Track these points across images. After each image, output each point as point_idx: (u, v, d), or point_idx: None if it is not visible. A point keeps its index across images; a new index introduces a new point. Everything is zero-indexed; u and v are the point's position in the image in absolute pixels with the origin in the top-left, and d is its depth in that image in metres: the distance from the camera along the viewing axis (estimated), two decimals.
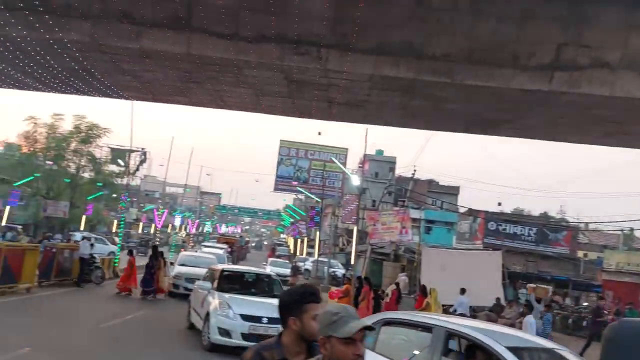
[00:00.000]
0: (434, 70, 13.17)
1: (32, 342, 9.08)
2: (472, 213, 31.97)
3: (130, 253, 18.48)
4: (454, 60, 12.96)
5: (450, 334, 4.96)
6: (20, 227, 33.54)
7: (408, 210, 19.41)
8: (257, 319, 9.89)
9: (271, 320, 9.67)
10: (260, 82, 15.39)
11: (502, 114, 15.81)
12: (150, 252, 19.01)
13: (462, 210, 34.76)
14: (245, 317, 9.91)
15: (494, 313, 15.59)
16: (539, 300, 16.04)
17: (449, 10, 12.54)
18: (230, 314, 9.97)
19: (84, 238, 21.91)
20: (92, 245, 20.08)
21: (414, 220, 24.97)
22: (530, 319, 12.37)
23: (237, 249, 44.69)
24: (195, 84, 16.27)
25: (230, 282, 11.70)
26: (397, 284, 17.41)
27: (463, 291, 15.95)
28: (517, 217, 39.49)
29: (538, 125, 16.79)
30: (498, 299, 16.50)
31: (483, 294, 16.14)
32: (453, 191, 56.10)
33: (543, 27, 12.71)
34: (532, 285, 23.65)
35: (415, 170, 26.32)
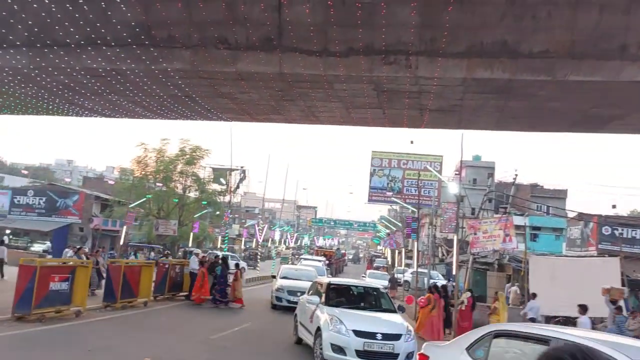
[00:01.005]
0: (531, 68, 12.66)
1: (151, 352, 9.70)
2: (582, 217, 29.92)
3: (201, 264, 18.87)
4: (553, 56, 12.38)
5: None
6: (161, 247, 35.93)
7: (511, 217, 18.21)
8: (370, 335, 9.48)
9: (385, 337, 9.38)
10: (350, 95, 15.56)
11: (610, 109, 14.85)
12: (221, 262, 19.43)
13: (571, 214, 32.63)
14: (359, 333, 9.50)
15: None
16: None
17: (545, 4, 12.01)
18: (342, 329, 9.62)
19: (191, 253, 23.18)
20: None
21: (518, 227, 23.73)
22: None
23: (334, 262, 45.09)
24: (288, 101, 16.72)
25: (338, 296, 11.45)
26: (471, 291, 17.41)
27: (534, 296, 15.60)
28: (635, 220, 36.32)
29: None
30: (619, 309, 15.33)
31: (601, 304, 15.08)
32: (560, 195, 52.95)
33: None
34: None
35: (516, 175, 25.08)
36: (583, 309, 12.89)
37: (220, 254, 24.06)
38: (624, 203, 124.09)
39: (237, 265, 21.07)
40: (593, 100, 14.07)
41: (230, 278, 19.32)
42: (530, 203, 45.07)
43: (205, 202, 42.18)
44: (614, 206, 52.56)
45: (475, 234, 18.68)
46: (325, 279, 13.15)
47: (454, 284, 22.60)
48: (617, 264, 16.13)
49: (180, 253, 31.05)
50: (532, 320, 14.78)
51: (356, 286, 12.67)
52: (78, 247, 20.93)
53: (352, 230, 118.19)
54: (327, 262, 36.19)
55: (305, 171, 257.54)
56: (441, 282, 31.16)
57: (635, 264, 22.97)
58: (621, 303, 12.22)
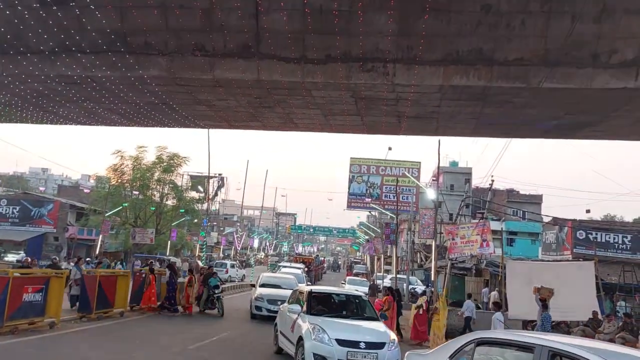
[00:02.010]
0: (506, 75, 12.88)
1: None
2: (557, 222, 30.32)
3: (151, 271, 18.06)
4: (528, 64, 12.63)
5: (555, 354, 4.43)
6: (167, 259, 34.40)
7: (488, 222, 18.53)
8: (354, 344, 9.29)
9: (369, 346, 9.23)
10: (329, 102, 15.59)
11: (583, 116, 15.15)
12: (167, 270, 18.94)
13: (546, 219, 33.05)
14: (342, 342, 9.30)
15: (590, 328, 14.76)
16: None
17: (519, 13, 12.23)
18: (325, 338, 9.41)
19: (165, 262, 22.60)
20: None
21: (495, 232, 23.87)
22: None
23: (313, 269, 44.84)
24: (266, 108, 16.70)
25: (320, 304, 11.23)
26: (425, 294, 18.69)
27: (469, 296, 18.28)
28: (609, 225, 36.94)
29: (624, 125, 15.83)
30: (595, 313, 15.47)
31: (576, 308, 15.19)
32: (535, 200, 53.69)
33: (623, 22, 12.01)
34: None
35: (492, 181, 25.20)
36: (468, 296, 15.50)
37: (177, 259, 23.45)
38: (599, 208, 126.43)
39: (190, 271, 20.72)
40: (567, 107, 14.30)
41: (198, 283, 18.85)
42: (507, 208, 45.54)
43: (182, 210, 42.00)
44: (587, 211, 53.59)
45: (453, 239, 18.88)
46: (307, 287, 12.99)
47: (432, 289, 22.73)
48: (592, 267, 16.29)
49: (138, 262, 30.56)
50: (468, 318, 16.94)
51: (338, 294, 12.48)
52: (78, 257, 20.60)
53: (331, 237, 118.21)
54: (306, 269, 35.94)
55: (284, 177, 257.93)
56: (420, 287, 31.30)
57: (609, 268, 23.26)
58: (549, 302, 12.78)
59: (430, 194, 24.06)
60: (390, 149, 46.54)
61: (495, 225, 32.27)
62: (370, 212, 56.52)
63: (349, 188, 44.71)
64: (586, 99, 13.39)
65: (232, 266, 43.27)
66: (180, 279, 19.66)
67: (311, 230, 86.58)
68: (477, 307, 19.40)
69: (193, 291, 18.88)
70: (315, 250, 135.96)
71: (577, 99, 13.51)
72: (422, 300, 16.97)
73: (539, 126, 16.69)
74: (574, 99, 13.48)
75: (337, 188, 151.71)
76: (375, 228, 57.41)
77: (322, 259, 73.97)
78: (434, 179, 46.23)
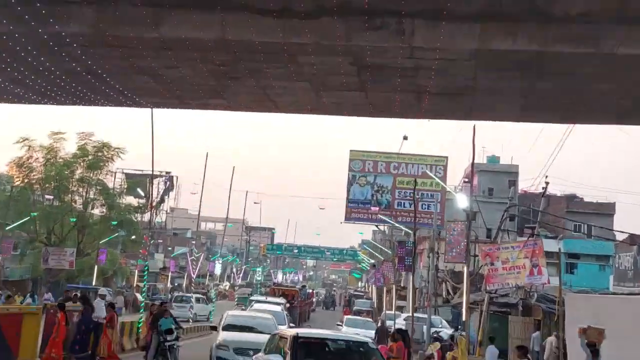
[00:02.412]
0: (568, 37, 12.88)
1: None
2: (636, 241, 30.43)
3: (60, 307, 17.58)
4: (597, 21, 12.55)
5: None
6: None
7: (540, 241, 18.87)
8: None
9: None
10: (321, 72, 15.51)
11: None
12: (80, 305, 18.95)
13: (620, 237, 33.18)
14: None
15: None
16: None
17: None
18: None
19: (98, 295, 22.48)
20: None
21: (550, 254, 23.88)
22: None
23: (298, 305, 44.40)
24: (233, 80, 16.62)
25: (310, 355, 11.12)
26: (440, 340, 18.89)
27: (491, 340, 19.05)
28: None
29: None
30: (595, 353, 15.74)
31: None
32: (605, 210, 53.85)
33: None
34: None
35: (547, 183, 25.28)
36: (522, 352, 15.10)
37: (108, 291, 22.78)
38: None
39: (111, 305, 20.45)
40: None
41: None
42: (566, 222, 45.74)
43: (115, 222, 41.62)
44: None
45: (492, 264, 19.06)
46: (291, 330, 12.88)
47: (463, 333, 22.63)
48: None
49: (49, 295, 30.27)
50: None
51: (335, 340, 12.37)
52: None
53: (323, 261, 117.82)
54: (288, 305, 35.91)
55: (258, 179, 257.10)
56: (446, 330, 31.25)
57: None
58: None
59: (461, 201, 23.99)
60: (405, 138, 45.28)
61: (550, 245, 32.21)
62: (377, 226, 55.96)
63: (348, 193, 44.14)
64: None
65: (199, 300, 43.45)
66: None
67: (295, 250, 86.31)
68: (524, 357, 19.51)
69: (115, 335, 18.79)
70: (301, 278, 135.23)
71: None
72: (433, 349, 17.08)
73: (612, 107, 16.69)
74: None
75: (331, 192, 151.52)
76: (385, 248, 57.31)
77: (311, 291, 73.74)
78: (467, 180, 46.00)
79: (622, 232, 34.56)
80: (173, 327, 18.40)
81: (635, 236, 31.30)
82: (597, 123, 19.10)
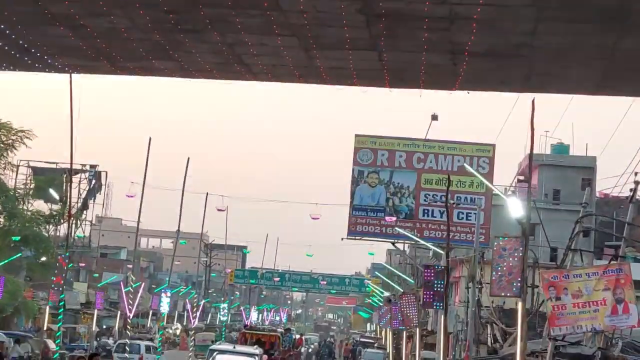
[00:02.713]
0: None
1: None
2: None
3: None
4: None
5: None
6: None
7: (627, 266, 18.61)
8: None
9: None
10: (314, 23, 15.65)
11: None
12: None
13: None
14: None
15: None
16: None
17: None
18: None
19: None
20: None
21: None
22: None
23: (280, 356, 44.19)
24: (189, 34, 16.85)
25: None
26: None
27: None
28: None
29: None
30: None
31: None
32: None
33: None
34: None
35: (637, 182, 26.11)
36: None
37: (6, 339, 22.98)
38: None
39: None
40: None
41: None
42: None
43: (17, 238, 41.44)
44: None
45: (558, 298, 19.09)
46: None
47: None
48: None
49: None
50: None
51: None
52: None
53: (316, 293, 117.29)
54: (265, 356, 35.65)
55: (223, 177, 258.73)
56: None
57: None
58: None
59: (515, 209, 23.47)
60: (435, 118, 43.41)
61: None
62: (394, 244, 51.83)
63: (352, 196, 41.51)
64: None
65: (149, 349, 43.23)
66: None
67: (276, 278, 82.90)
68: None
69: None
70: (285, 319, 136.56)
71: None
72: None
73: None
74: None
75: (328, 196, 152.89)
76: (405, 276, 56.05)
77: (298, 336, 72.90)
78: (522, 178, 45.35)
79: None
80: None
81: None
82: None
